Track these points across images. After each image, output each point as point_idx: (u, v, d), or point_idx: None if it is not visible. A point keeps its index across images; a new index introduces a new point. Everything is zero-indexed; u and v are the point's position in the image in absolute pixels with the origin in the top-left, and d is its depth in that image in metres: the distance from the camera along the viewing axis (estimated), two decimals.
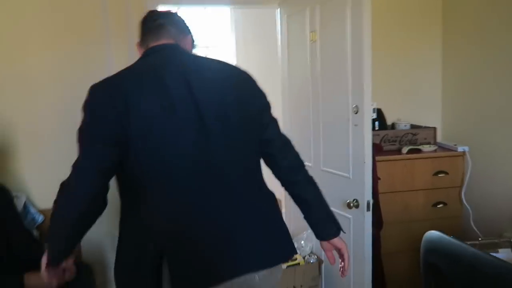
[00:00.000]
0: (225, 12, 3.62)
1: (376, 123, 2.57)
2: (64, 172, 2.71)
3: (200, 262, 1.09)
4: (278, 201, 1.33)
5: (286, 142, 1.30)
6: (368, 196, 1.89)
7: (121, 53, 2.42)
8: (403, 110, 2.77)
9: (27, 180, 2.44)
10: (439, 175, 2.43)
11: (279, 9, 2.57)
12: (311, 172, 1.33)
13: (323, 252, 1.36)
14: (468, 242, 1.41)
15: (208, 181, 1.11)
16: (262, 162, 1.29)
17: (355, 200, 1.94)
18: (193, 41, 1.30)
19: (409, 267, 2.33)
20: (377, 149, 2.26)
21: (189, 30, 1.28)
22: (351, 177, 1.98)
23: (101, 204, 1.14)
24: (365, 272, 1.95)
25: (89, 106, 1.10)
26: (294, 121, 2.42)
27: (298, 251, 2.28)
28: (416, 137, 2.59)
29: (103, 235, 2.50)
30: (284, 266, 2.08)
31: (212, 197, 1.11)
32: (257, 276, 1.15)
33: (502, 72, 2.25)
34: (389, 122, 2.70)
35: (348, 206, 1.96)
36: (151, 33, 1.21)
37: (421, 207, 2.41)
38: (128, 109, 1.03)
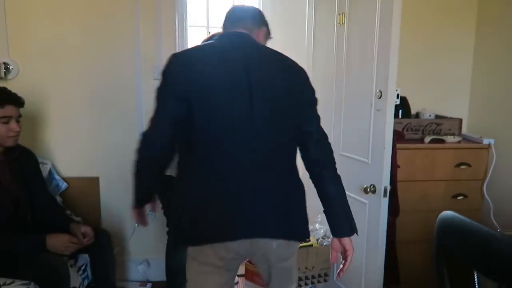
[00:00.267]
0: None
1: (400, 111, 2.53)
2: (89, 142, 2.80)
3: (225, 217, 1.25)
4: None
5: (323, 138, 1.40)
6: (386, 182, 1.87)
7: (148, 27, 2.45)
8: (428, 99, 2.70)
9: (53, 149, 2.53)
10: (461, 167, 2.38)
11: None
12: None
13: None
14: None
15: (248, 148, 1.26)
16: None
17: (372, 186, 1.93)
18: (268, 33, 1.50)
19: (424, 257, 2.31)
20: (398, 136, 2.23)
21: (264, 23, 1.48)
22: (369, 162, 1.97)
23: (170, 152, 1.34)
24: (378, 257, 1.95)
25: (165, 69, 1.29)
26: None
27: (312, 233, 2.29)
28: (440, 127, 2.53)
29: (121, 206, 2.58)
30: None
31: (248, 163, 1.26)
32: (275, 243, 1.30)
33: None
34: (413, 111, 2.64)
35: (365, 191, 1.95)
36: (230, 23, 1.42)
37: (440, 197, 2.37)
38: (194, 74, 1.24)
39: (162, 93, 1.28)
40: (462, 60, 2.70)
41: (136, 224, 2.59)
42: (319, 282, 2.35)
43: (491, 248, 1.10)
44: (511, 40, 2.35)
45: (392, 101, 1.84)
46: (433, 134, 2.49)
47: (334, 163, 1.40)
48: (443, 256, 1.32)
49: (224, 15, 1.45)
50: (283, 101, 1.31)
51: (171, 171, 2.10)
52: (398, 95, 2.45)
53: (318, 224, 2.32)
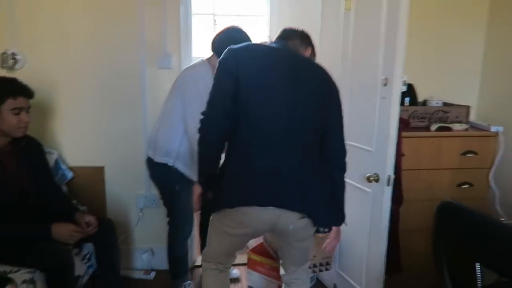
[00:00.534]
0: None
1: (407, 99, 2.49)
2: (94, 132, 2.80)
3: (256, 186, 1.47)
4: None
5: (339, 139, 1.61)
6: (389, 170, 1.86)
7: (154, 15, 2.43)
8: (436, 87, 2.66)
9: (59, 138, 2.55)
10: (468, 155, 2.35)
11: None
12: None
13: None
14: None
15: (285, 136, 1.48)
16: None
17: (375, 174, 1.92)
18: (313, 53, 1.73)
19: (426, 245, 2.29)
20: (403, 124, 2.20)
21: (310, 44, 1.70)
22: (373, 151, 1.95)
23: (223, 142, 1.55)
24: (380, 245, 1.95)
25: (220, 61, 1.51)
26: None
27: None
28: (447, 115, 2.49)
29: (126, 195, 2.60)
30: None
31: (284, 148, 1.49)
32: (292, 224, 1.52)
33: None
34: (420, 99, 2.60)
35: (368, 180, 1.94)
36: (282, 38, 1.66)
37: (445, 186, 2.35)
38: (241, 70, 1.46)
39: (218, 75, 1.48)
40: (472, 47, 2.64)
41: (141, 214, 2.62)
42: (320, 270, 2.36)
43: (490, 234, 1.09)
44: None
45: (398, 89, 1.81)
46: (440, 122, 2.45)
47: (344, 168, 1.62)
48: (441, 244, 1.31)
49: (277, 34, 1.68)
50: (317, 105, 1.53)
51: (174, 161, 2.11)
52: (405, 81, 2.41)
53: None
